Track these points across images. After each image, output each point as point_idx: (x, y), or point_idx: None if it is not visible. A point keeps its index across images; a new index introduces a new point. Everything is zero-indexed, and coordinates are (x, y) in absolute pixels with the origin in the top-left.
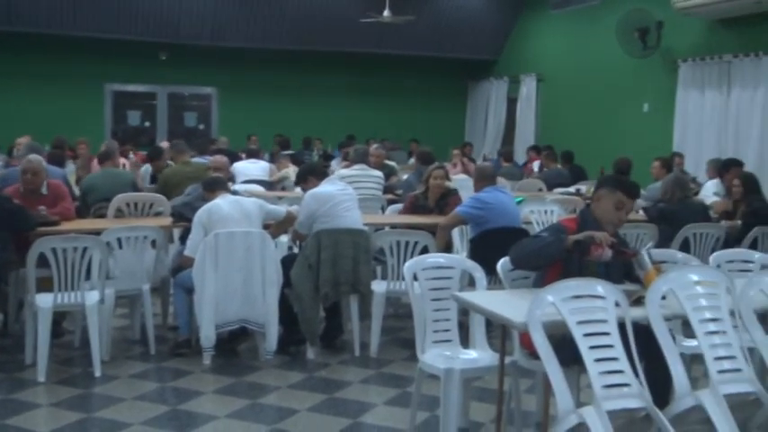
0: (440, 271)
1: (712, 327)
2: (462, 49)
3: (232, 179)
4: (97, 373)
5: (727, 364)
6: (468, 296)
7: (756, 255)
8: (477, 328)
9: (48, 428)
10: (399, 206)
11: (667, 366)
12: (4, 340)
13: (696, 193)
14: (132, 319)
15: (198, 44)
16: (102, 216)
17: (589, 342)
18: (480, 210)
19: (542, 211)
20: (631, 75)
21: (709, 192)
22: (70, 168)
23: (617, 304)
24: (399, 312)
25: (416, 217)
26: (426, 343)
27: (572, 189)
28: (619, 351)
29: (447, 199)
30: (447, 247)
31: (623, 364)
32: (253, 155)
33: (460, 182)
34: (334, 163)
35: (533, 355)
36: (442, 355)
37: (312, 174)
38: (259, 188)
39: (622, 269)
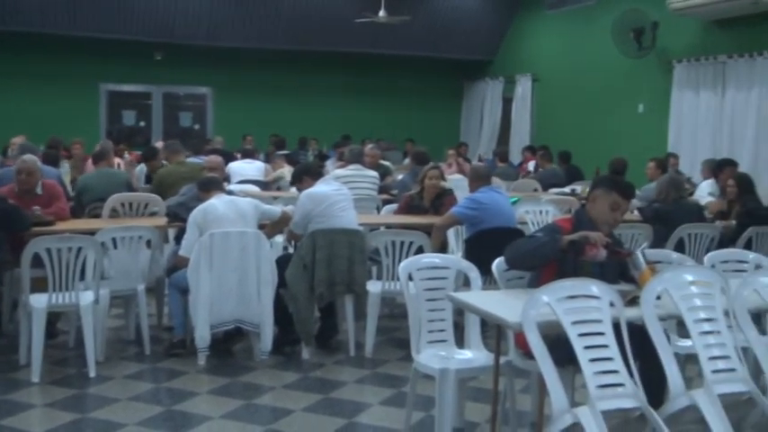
0: (435, 271)
1: (707, 327)
2: (457, 49)
3: (227, 179)
4: (92, 374)
5: (721, 364)
6: (464, 296)
7: (751, 255)
8: (472, 328)
9: (42, 429)
10: (394, 206)
11: (662, 366)
12: None
13: (691, 194)
14: (127, 319)
15: (193, 44)
16: (97, 216)
17: (584, 342)
18: (475, 210)
19: (537, 211)
20: (626, 75)
21: (704, 192)
22: (65, 168)
23: (612, 304)
24: (394, 312)
25: (411, 217)
26: (421, 343)
27: (567, 189)
28: (613, 351)
29: (442, 199)
30: (442, 248)
31: (618, 364)
32: (248, 155)
33: (456, 182)
34: (328, 163)
35: (528, 355)
36: (437, 356)
37: (307, 174)
38: (254, 188)
39: (617, 269)
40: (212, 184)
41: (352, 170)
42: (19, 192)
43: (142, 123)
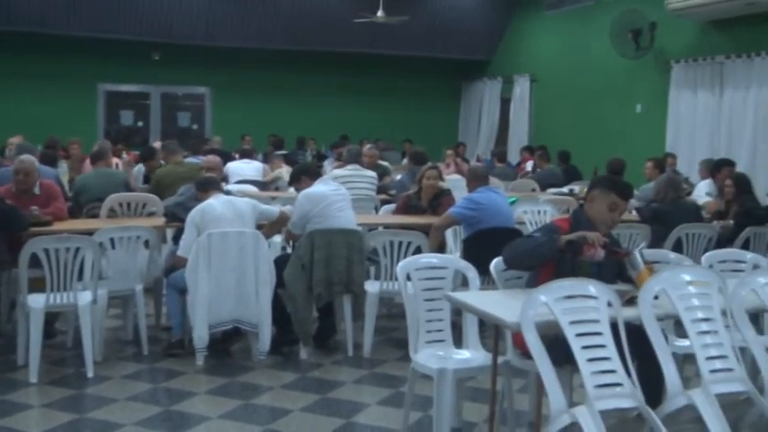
0: (433, 271)
1: (704, 326)
2: (456, 49)
3: (225, 179)
4: (90, 374)
5: (718, 364)
6: (461, 296)
7: (748, 255)
8: (470, 328)
9: (39, 429)
10: (393, 206)
11: (659, 366)
12: None
13: (689, 194)
14: (125, 319)
15: (191, 44)
16: (95, 216)
17: (581, 342)
18: (473, 210)
19: (535, 211)
20: (624, 75)
21: (702, 192)
22: (63, 168)
23: (609, 304)
24: (392, 312)
25: (409, 217)
26: (419, 343)
27: (565, 189)
28: (611, 351)
29: (440, 199)
30: (440, 248)
31: (616, 363)
32: (246, 155)
33: (454, 182)
34: (326, 163)
35: (526, 354)
36: (434, 356)
37: (305, 174)
38: (252, 188)
39: (615, 269)
40: (210, 184)
41: (351, 170)
42: (16, 192)
43: (140, 123)
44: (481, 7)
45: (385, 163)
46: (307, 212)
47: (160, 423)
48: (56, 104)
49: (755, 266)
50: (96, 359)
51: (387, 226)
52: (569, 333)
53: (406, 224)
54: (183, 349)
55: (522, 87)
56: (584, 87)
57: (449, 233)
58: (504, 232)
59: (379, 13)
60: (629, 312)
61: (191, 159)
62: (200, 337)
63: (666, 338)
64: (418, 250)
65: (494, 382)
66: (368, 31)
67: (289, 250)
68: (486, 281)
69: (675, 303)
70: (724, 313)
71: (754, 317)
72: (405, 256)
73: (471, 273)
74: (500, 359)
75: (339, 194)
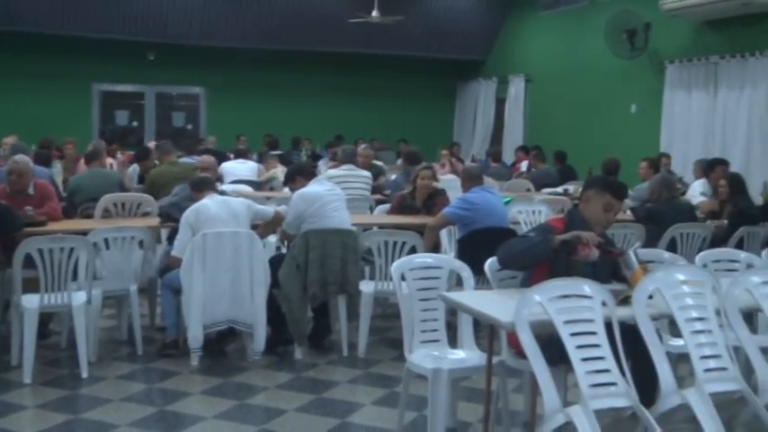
0: (427, 271)
1: (698, 326)
2: (451, 49)
3: (220, 179)
4: (84, 375)
5: (712, 363)
6: (456, 296)
7: (742, 254)
8: (465, 327)
9: (34, 430)
10: (387, 206)
11: (654, 365)
12: None
13: (683, 194)
14: (119, 319)
15: (186, 44)
16: (90, 216)
17: (576, 341)
18: (468, 210)
19: (530, 211)
20: (619, 76)
21: (696, 192)
22: (57, 168)
23: (604, 304)
24: (387, 312)
25: (404, 217)
26: (414, 343)
27: (560, 189)
28: (605, 350)
29: (435, 199)
30: (435, 248)
31: (610, 363)
32: (241, 155)
33: (449, 182)
34: (321, 163)
35: (521, 354)
36: (429, 355)
37: (300, 174)
38: (247, 188)
39: (609, 269)
40: (205, 184)
41: (345, 170)
42: (10, 192)
43: (135, 123)
44: (476, 7)
45: (380, 163)
46: (301, 212)
47: (155, 423)
48: (51, 104)
49: (749, 266)
50: (91, 360)
51: (381, 226)
52: (564, 333)
53: (400, 224)
54: (178, 349)
55: (517, 87)
56: (578, 87)
57: (443, 233)
58: (498, 232)
59: (374, 13)
60: (623, 312)
61: (185, 159)
62: (195, 337)
63: (660, 338)
64: (413, 250)
65: (488, 381)
66: (363, 31)
67: (283, 250)
68: (481, 281)
69: (669, 303)
70: (718, 312)
71: (748, 316)
72: (399, 256)
73: (466, 273)
74: (495, 359)
75: (334, 194)
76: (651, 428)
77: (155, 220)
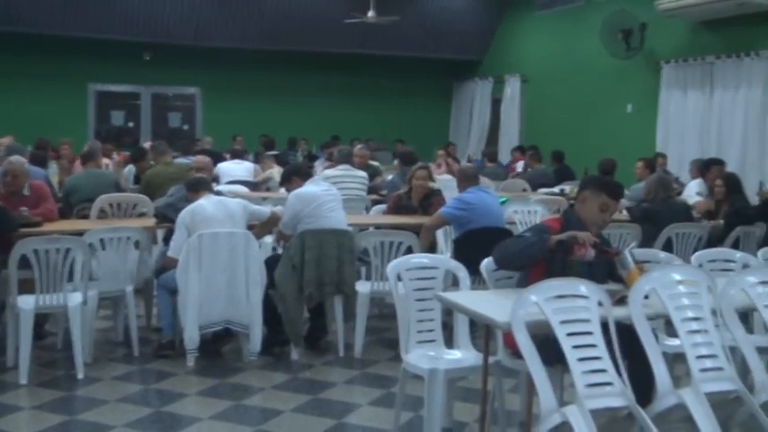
0: (424, 271)
1: (694, 326)
2: (447, 49)
3: (216, 179)
4: (80, 376)
5: (708, 363)
6: (452, 296)
7: (738, 254)
8: (461, 328)
9: (30, 431)
10: (384, 206)
11: (650, 365)
12: None
13: (679, 193)
14: (115, 320)
15: (182, 44)
16: (86, 217)
17: (572, 341)
18: (463, 210)
19: (526, 211)
20: (615, 76)
21: (692, 192)
22: (53, 169)
23: (600, 304)
24: (383, 313)
25: (400, 217)
26: (410, 343)
27: (556, 189)
28: (602, 350)
29: (431, 199)
30: (431, 248)
31: (606, 363)
32: (237, 155)
33: (445, 182)
34: (317, 163)
35: (517, 354)
36: (426, 356)
37: (296, 174)
38: (243, 189)
39: (606, 269)
40: (201, 184)
41: (342, 170)
42: (6, 193)
43: (131, 124)
44: (472, 7)
45: (376, 163)
46: (298, 213)
47: (151, 424)
48: (46, 105)
49: (745, 266)
50: (86, 361)
51: (378, 226)
52: (560, 333)
53: (396, 224)
54: (174, 350)
55: (513, 87)
56: (574, 87)
57: (439, 233)
58: (494, 232)
59: (370, 14)
60: (619, 312)
61: (181, 160)
62: (191, 338)
63: (657, 338)
64: (409, 250)
65: (485, 381)
66: (359, 31)
67: (279, 251)
68: (477, 281)
69: (665, 303)
70: (714, 312)
71: (744, 316)
72: (395, 257)
73: (462, 273)
74: (491, 359)
75: (330, 195)
76: (647, 428)
77: (151, 221)
